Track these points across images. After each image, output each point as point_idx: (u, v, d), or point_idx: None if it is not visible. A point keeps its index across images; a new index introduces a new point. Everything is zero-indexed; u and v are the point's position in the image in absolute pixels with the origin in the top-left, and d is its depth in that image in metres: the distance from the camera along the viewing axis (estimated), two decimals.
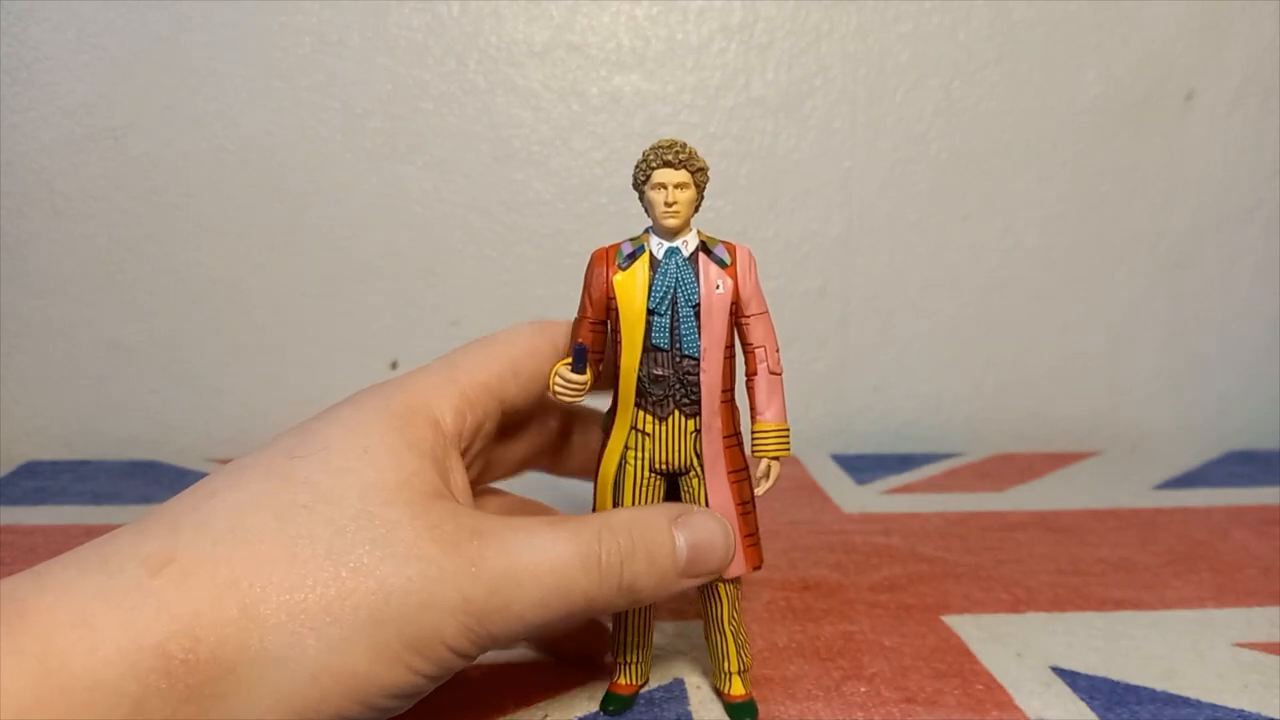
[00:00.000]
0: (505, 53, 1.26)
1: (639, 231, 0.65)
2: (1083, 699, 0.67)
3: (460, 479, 0.46)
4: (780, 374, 0.65)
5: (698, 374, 0.62)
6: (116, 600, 0.36)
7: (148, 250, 1.27)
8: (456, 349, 0.53)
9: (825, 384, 1.37)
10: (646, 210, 0.63)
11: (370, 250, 1.29)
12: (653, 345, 0.62)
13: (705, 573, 0.52)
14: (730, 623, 0.65)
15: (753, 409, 0.65)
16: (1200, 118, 1.32)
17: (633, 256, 0.63)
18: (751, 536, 0.65)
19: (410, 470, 0.41)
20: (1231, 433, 1.41)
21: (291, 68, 1.24)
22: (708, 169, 0.63)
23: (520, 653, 0.74)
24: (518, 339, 0.54)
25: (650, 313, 0.62)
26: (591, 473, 0.65)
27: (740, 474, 0.64)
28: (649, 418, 0.63)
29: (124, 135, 1.24)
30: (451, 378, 0.49)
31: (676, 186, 0.61)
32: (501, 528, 0.44)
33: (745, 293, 0.63)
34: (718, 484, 0.63)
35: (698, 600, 0.67)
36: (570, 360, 0.63)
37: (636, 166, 0.62)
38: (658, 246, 0.62)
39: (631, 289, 0.62)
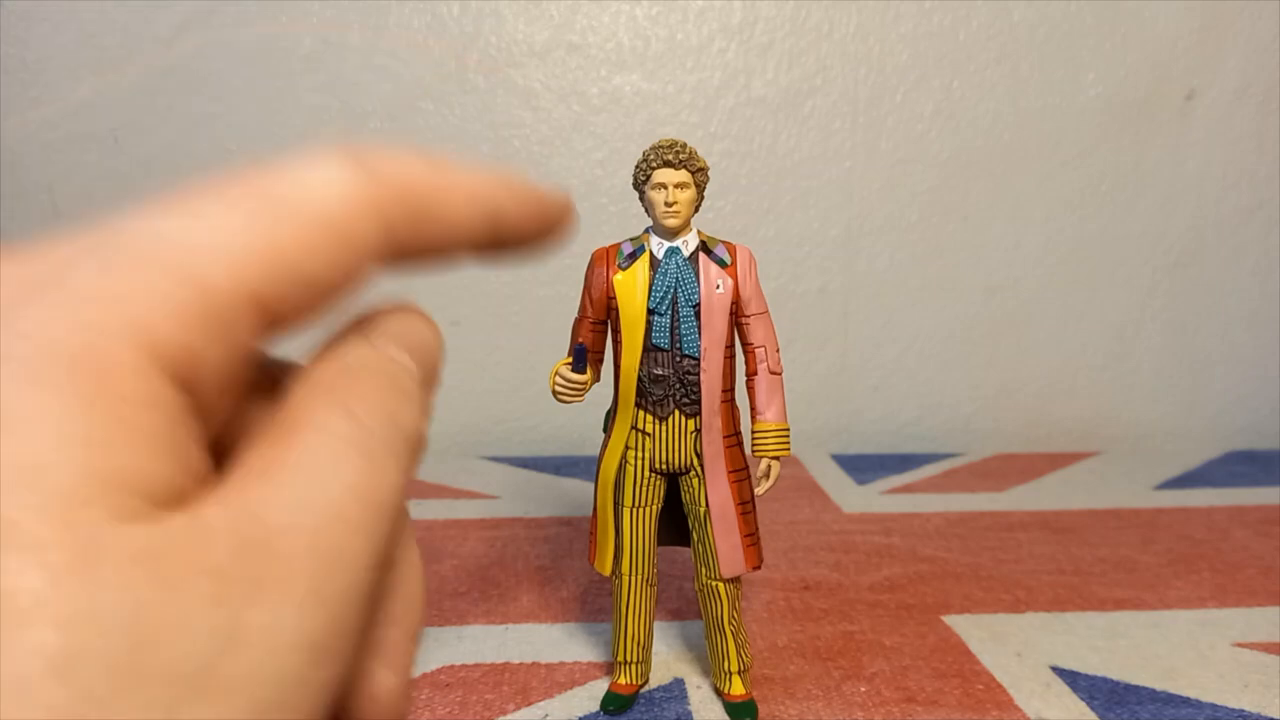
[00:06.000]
0: (505, 53, 1.26)
1: (639, 231, 0.65)
2: (1083, 699, 0.67)
3: (193, 456, 0.22)
4: (780, 374, 0.65)
5: (698, 374, 0.62)
6: None
7: None
8: (186, 191, 0.23)
9: (825, 384, 1.37)
10: (647, 210, 0.63)
11: None
12: (653, 345, 0.62)
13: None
14: (730, 622, 0.65)
15: (753, 409, 0.65)
16: (1200, 118, 1.32)
17: (633, 256, 0.63)
18: (751, 536, 0.65)
19: (102, 472, 0.19)
20: (1231, 433, 1.41)
21: (291, 68, 1.24)
22: (708, 169, 0.63)
23: (520, 652, 0.74)
24: (315, 201, 0.24)
25: (651, 312, 0.62)
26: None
27: (740, 474, 0.64)
28: (649, 417, 0.63)
29: (124, 135, 1.24)
30: (189, 273, 0.22)
31: (677, 186, 0.61)
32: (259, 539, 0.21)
33: (745, 292, 0.63)
34: (718, 484, 0.63)
35: (698, 600, 0.67)
36: (571, 360, 0.63)
37: (637, 166, 0.63)
38: (658, 246, 0.63)
39: (632, 289, 0.62)
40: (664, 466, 0.63)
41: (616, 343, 0.63)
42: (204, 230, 0.22)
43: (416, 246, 0.26)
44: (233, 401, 0.25)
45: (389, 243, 0.25)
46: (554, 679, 0.70)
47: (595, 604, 0.83)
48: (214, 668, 0.18)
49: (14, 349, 0.19)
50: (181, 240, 0.22)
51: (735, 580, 0.65)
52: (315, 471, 0.22)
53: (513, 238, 0.28)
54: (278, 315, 0.24)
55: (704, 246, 0.63)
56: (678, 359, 0.62)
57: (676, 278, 0.62)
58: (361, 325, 0.27)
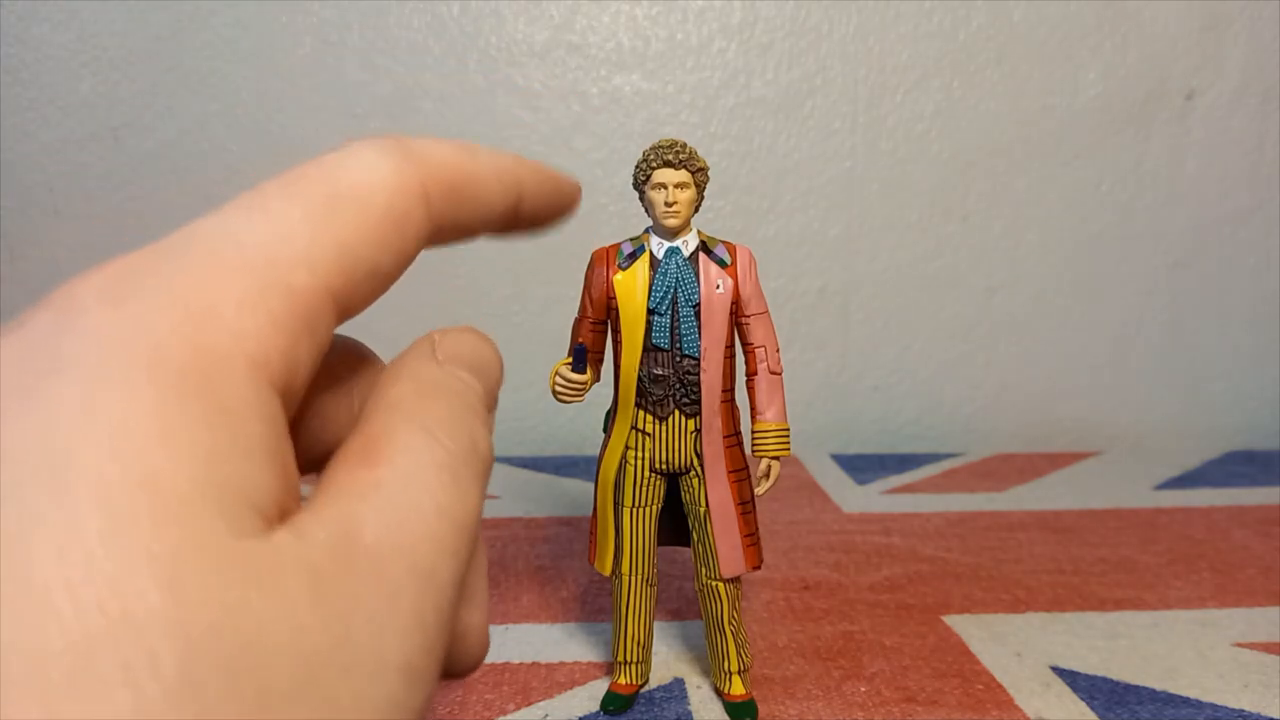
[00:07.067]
0: (505, 53, 1.26)
1: (639, 231, 0.65)
2: (1083, 699, 0.67)
3: (291, 468, 0.22)
4: (780, 374, 0.65)
5: (698, 374, 0.62)
6: None
7: None
8: (255, 192, 0.24)
9: (825, 384, 1.37)
10: (647, 210, 0.63)
11: None
12: (653, 345, 0.62)
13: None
14: (730, 622, 0.65)
15: (753, 409, 0.65)
16: (1200, 118, 1.32)
17: (633, 256, 0.63)
18: (751, 536, 0.65)
19: (218, 488, 0.19)
20: (1231, 433, 1.41)
21: (291, 68, 1.24)
22: (708, 169, 0.63)
23: (520, 652, 0.74)
24: (372, 192, 0.25)
25: (651, 312, 0.62)
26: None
27: (740, 474, 0.64)
28: (649, 417, 0.63)
29: (124, 135, 1.24)
30: (278, 278, 0.22)
31: (677, 186, 0.61)
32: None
33: (745, 292, 0.63)
34: (718, 484, 0.63)
35: (698, 600, 0.67)
36: (571, 360, 0.63)
37: (637, 166, 0.63)
38: (658, 246, 0.63)
39: (632, 289, 0.62)
40: (664, 466, 0.63)
41: (616, 343, 0.63)
42: (280, 231, 0.23)
43: (454, 225, 0.27)
44: (305, 392, 0.25)
45: (432, 224, 0.26)
46: (554, 679, 0.70)
47: (595, 604, 0.83)
48: (321, 683, 0.18)
49: (128, 357, 0.19)
50: (262, 243, 0.23)
51: (735, 580, 0.65)
52: (408, 494, 0.22)
53: (530, 215, 0.31)
54: (348, 306, 0.24)
55: (704, 246, 0.63)
56: (678, 359, 0.62)
57: (676, 278, 0.62)
58: (427, 345, 0.28)
